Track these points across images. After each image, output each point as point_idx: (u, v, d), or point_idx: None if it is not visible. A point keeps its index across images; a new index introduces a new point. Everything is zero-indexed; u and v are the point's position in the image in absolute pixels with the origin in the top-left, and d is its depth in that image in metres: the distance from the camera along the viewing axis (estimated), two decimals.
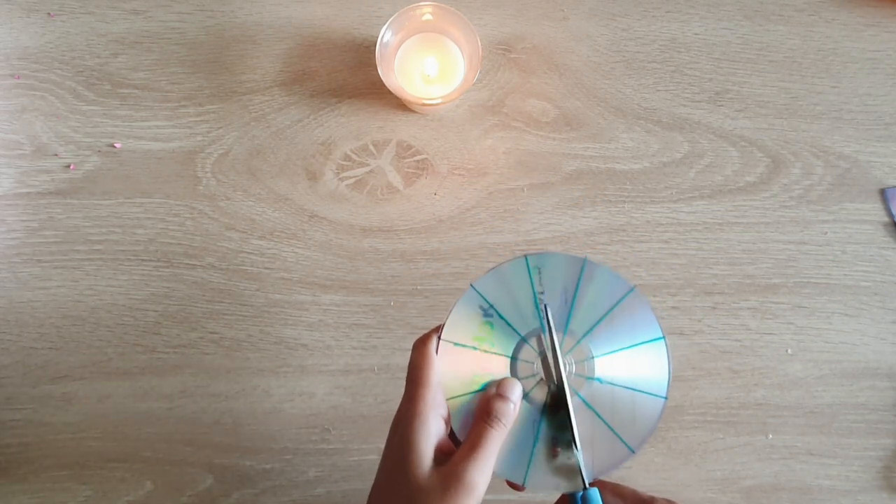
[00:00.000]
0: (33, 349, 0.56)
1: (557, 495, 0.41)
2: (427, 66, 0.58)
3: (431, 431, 0.37)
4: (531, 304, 0.41)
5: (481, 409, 0.39)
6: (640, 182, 0.59)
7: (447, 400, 0.40)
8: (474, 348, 0.41)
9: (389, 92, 0.57)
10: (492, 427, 0.38)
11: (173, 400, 0.55)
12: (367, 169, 0.59)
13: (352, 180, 0.59)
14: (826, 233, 0.58)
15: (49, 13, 0.61)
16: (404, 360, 0.56)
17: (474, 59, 0.56)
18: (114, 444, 0.55)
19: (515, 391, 0.39)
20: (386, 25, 0.56)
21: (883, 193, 0.59)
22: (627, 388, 0.41)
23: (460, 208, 0.59)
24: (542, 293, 0.42)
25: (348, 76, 0.61)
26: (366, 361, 0.56)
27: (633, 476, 0.54)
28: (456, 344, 0.41)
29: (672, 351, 0.56)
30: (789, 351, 0.57)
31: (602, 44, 0.62)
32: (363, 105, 0.60)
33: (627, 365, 0.41)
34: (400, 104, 0.60)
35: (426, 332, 0.41)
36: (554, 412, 0.40)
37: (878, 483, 0.55)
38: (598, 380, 0.41)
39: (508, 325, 0.41)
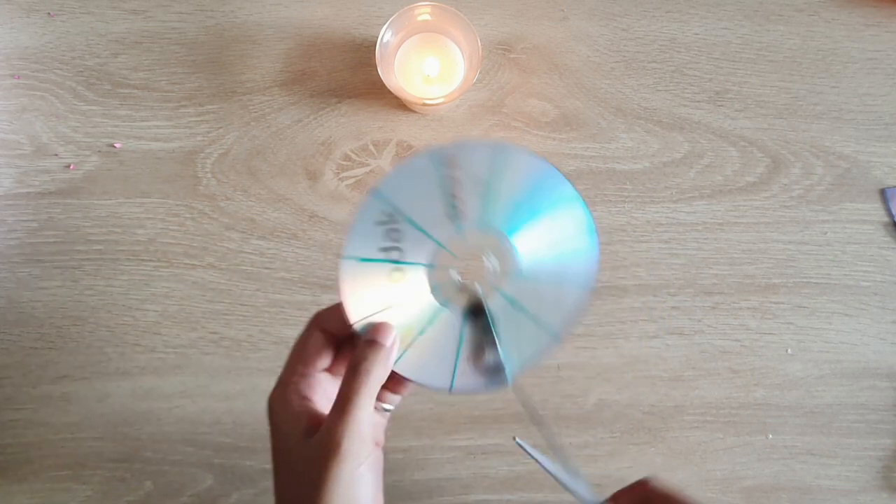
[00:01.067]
0: (33, 349, 0.56)
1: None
2: (427, 67, 0.58)
3: (294, 407, 0.35)
4: (444, 203, 0.37)
5: (350, 363, 0.36)
6: (640, 182, 0.59)
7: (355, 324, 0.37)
8: (383, 262, 0.37)
9: (389, 92, 0.57)
10: (355, 381, 0.34)
11: (173, 400, 0.55)
12: (367, 169, 0.59)
13: (352, 180, 0.59)
14: (826, 233, 0.58)
15: (49, 13, 0.61)
16: None
17: (474, 58, 0.56)
18: (114, 444, 0.55)
19: (387, 335, 0.36)
20: (386, 25, 0.56)
21: (883, 193, 0.59)
22: (553, 272, 0.38)
23: None
24: (453, 192, 0.37)
25: (348, 76, 0.61)
26: None
27: (634, 476, 0.54)
28: (362, 259, 0.37)
29: (672, 351, 0.56)
30: (789, 351, 0.57)
31: (602, 44, 0.62)
32: (363, 105, 0.60)
33: (549, 244, 0.38)
34: (400, 104, 0.60)
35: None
36: (476, 315, 0.38)
37: (878, 483, 0.55)
38: (522, 275, 0.38)
39: (420, 230, 0.37)
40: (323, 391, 0.37)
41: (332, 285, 0.57)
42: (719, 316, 0.57)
